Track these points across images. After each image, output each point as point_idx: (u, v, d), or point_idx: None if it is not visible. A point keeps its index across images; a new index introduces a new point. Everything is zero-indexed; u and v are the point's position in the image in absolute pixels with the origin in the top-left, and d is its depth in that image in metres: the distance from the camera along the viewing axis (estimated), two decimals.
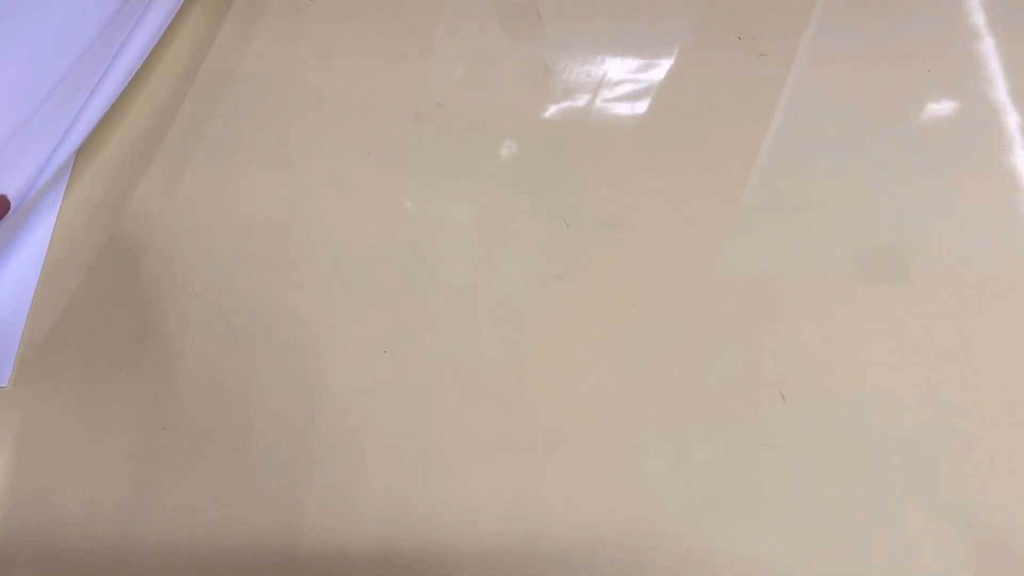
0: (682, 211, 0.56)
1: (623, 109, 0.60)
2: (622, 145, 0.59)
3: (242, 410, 0.50)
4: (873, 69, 0.61)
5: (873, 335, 0.52)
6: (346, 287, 0.54)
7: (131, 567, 0.47)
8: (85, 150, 0.59)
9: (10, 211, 0.53)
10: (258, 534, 0.47)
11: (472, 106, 0.61)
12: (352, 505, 0.48)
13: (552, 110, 0.60)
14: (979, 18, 0.62)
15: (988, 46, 0.61)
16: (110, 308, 0.54)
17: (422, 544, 0.47)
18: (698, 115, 0.60)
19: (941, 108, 0.59)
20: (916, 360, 0.51)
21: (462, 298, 0.53)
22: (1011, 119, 0.58)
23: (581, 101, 0.61)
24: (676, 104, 0.60)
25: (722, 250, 0.54)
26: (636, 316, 0.52)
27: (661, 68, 0.62)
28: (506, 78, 0.62)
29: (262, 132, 0.60)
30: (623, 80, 0.61)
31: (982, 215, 0.55)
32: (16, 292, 0.54)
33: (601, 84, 0.61)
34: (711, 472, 0.48)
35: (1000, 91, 0.59)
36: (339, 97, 0.61)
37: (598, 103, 0.60)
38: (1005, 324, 0.52)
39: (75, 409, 0.51)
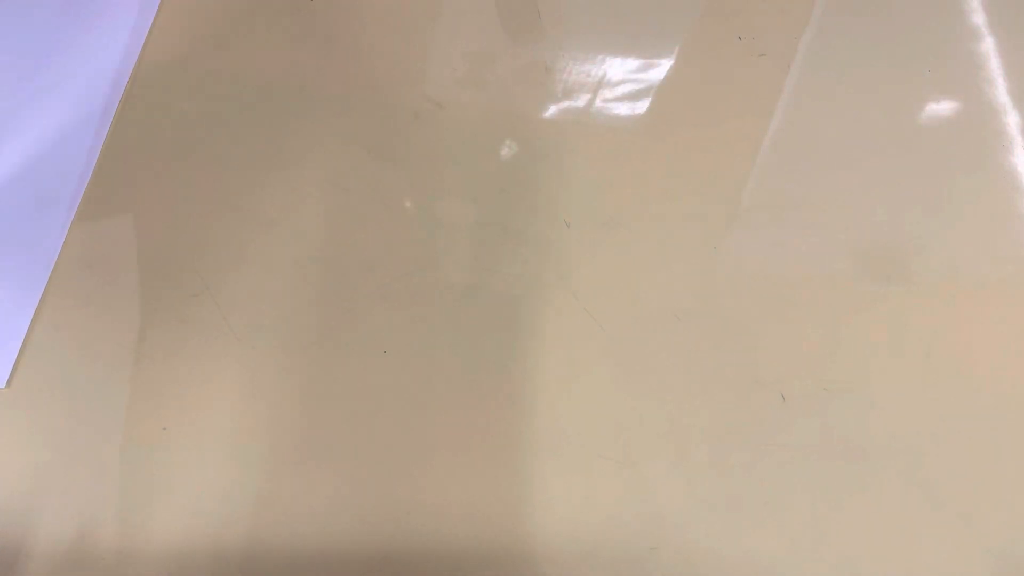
0: (682, 211, 0.56)
1: (623, 109, 0.60)
2: (622, 145, 0.59)
3: (242, 410, 0.51)
4: (873, 69, 0.61)
5: (873, 335, 0.52)
6: (346, 287, 0.54)
7: (131, 566, 0.47)
8: None
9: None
10: (258, 533, 0.47)
11: (472, 106, 0.61)
12: (352, 504, 0.48)
13: (552, 110, 0.60)
14: (979, 18, 0.62)
15: (988, 46, 0.61)
16: (111, 308, 0.54)
17: (422, 543, 0.47)
18: (698, 115, 0.60)
19: (941, 108, 0.59)
20: (916, 360, 0.51)
21: (462, 298, 0.53)
22: (1011, 119, 0.58)
23: (581, 101, 0.61)
24: (676, 104, 0.60)
25: (722, 250, 0.54)
26: (636, 316, 0.52)
27: (661, 68, 0.62)
28: (506, 78, 0.62)
29: (262, 132, 0.60)
30: (623, 80, 0.61)
31: (982, 215, 0.55)
32: (21, 296, 0.54)
33: (601, 84, 0.61)
34: (711, 472, 0.48)
35: (1000, 91, 0.59)
36: (339, 97, 0.61)
37: (598, 103, 0.60)
38: (1005, 324, 0.52)
39: (75, 409, 0.51)
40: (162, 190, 0.58)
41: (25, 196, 0.57)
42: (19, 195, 0.57)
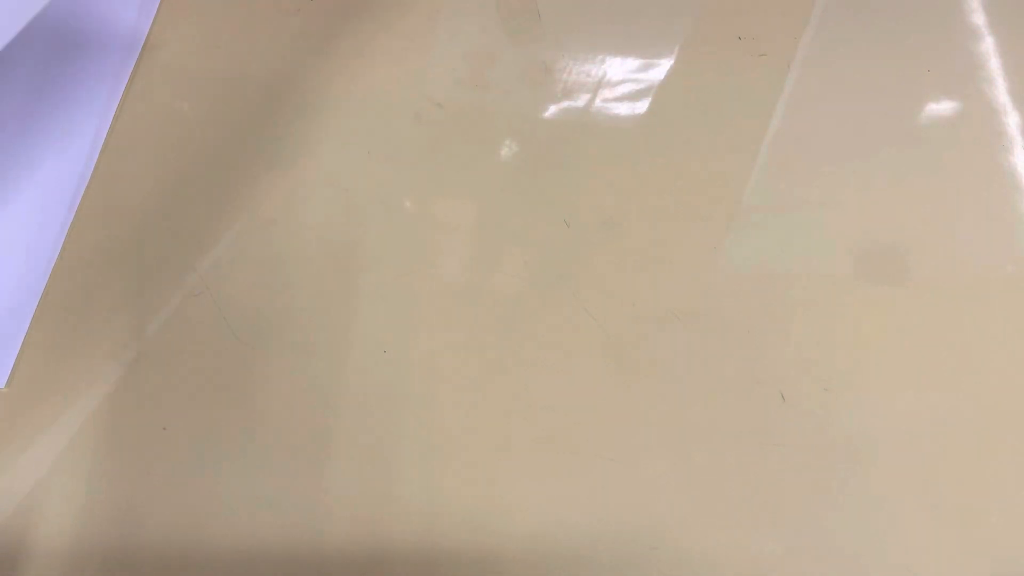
0: (682, 211, 0.56)
1: (623, 109, 0.60)
2: (622, 145, 0.59)
3: (242, 410, 0.50)
4: (873, 69, 0.61)
5: (873, 335, 0.52)
6: (346, 287, 0.54)
7: (131, 567, 0.47)
8: None
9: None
10: (258, 533, 0.47)
11: (472, 106, 0.61)
12: (352, 504, 0.48)
13: (552, 110, 0.60)
14: (979, 18, 0.62)
15: (988, 46, 0.61)
16: (110, 308, 0.54)
17: (422, 543, 0.47)
18: (698, 115, 0.60)
19: (941, 108, 0.59)
20: (916, 360, 0.51)
21: (462, 298, 0.53)
22: (1011, 119, 0.58)
23: (581, 101, 0.61)
24: (676, 104, 0.60)
25: (722, 250, 0.54)
26: (636, 316, 0.52)
27: (661, 68, 0.62)
28: (506, 78, 0.62)
29: (262, 132, 0.60)
30: (623, 80, 0.61)
31: (982, 215, 0.55)
32: (21, 296, 0.54)
33: (601, 84, 0.61)
34: (711, 472, 0.48)
35: (1000, 91, 0.59)
36: (339, 97, 0.61)
37: (598, 103, 0.60)
38: (1005, 324, 0.52)
39: (75, 409, 0.51)
40: (162, 190, 0.58)
41: (24, 196, 0.57)
42: (19, 195, 0.57)
